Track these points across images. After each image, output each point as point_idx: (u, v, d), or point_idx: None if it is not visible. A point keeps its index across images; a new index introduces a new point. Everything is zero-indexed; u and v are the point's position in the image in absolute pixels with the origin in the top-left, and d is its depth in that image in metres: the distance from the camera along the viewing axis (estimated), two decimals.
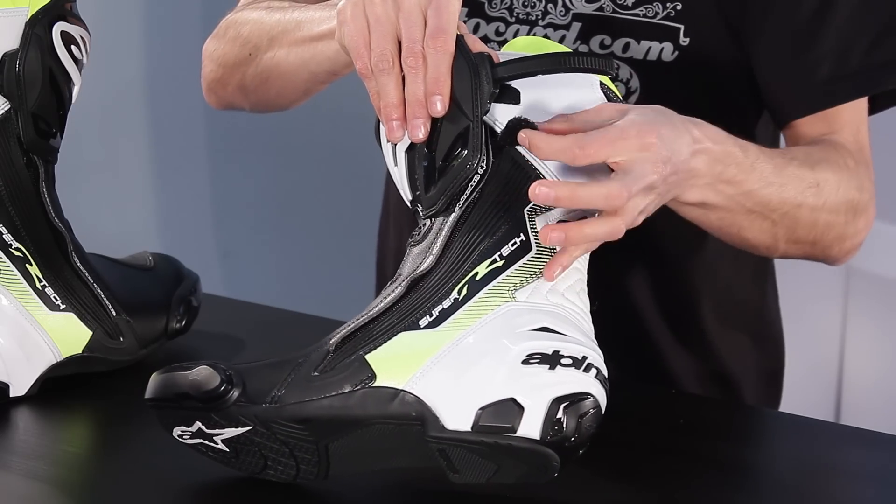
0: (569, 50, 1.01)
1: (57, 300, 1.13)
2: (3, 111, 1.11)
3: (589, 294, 1.00)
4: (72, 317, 1.14)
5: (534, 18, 1.29)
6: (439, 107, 0.96)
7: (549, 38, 1.27)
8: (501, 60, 0.99)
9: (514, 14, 1.30)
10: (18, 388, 1.12)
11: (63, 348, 1.14)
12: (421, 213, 1.00)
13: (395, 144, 1.00)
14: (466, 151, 0.97)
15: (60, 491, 0.99)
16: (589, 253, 0.99)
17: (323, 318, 1.35)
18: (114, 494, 0.99)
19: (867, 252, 1.31)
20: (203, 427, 0.95)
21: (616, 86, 1.05)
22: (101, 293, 1.16)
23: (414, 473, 1.01)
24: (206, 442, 0.96)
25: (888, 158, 1.32)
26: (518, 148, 0.97)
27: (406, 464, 0.96)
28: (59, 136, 1.15)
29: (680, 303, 1.35)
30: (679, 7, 1.23)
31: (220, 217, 2.29)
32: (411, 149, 0.99)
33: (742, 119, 1.29)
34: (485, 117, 0.97)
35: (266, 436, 0.94)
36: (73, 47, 1.13)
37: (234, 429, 0.94)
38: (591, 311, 0.99)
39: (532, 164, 0.97)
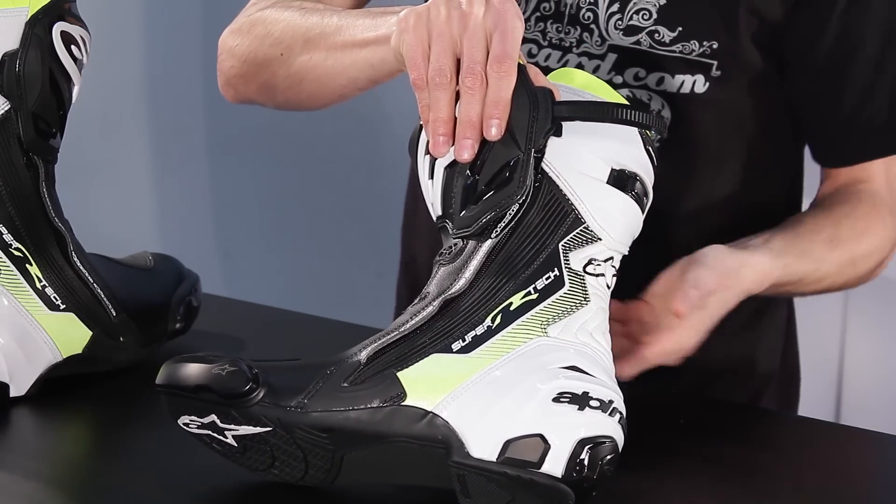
0: (624, 100, 1.02)
1: (57, 300, 1.13)
2: (3, 111, 1.11)
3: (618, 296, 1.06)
4: (72, 317, 1.14)
5: (567, 45, 1.29)
6: (494, 131, 0.97)
7: (583, 66, 1.28)
8: (562, 97, 1.00)
9: (547, 38, 1.30)
10: (18, 388, 1.12)
11: (63, 348, 1.14)
12: (451, 231, 1.00)
13: (436, 159, 1.00)
14: (513, 182, 0.98)
15: (60, 491, 0.99)
16: (610, 292, 1.01)
17: (323, 318, 1.35)
18: (114, 494, 0.99)
19: None
20: (218, 421, 0.95)
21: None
22: (101, 293, 1.16)
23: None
24: (215, 434, 0.96)
25: None
26: (557, 182, 0.98)
27: (416, 482, 0.96)
28: (59, 136, 1.15)
29: None
30: (715, 46, 1.24)
31: (220, 217, 2.29)
32: (451, 166, 1.00)
33: (775, 145, 1.31)
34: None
35: (285, 439, 0.94)
36: (73, 47, 1.13)
37: (251, 427, 0.94)
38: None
39: (569, 199, 0.98)
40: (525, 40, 1.30)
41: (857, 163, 1.30)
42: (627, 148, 1.00)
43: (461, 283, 0.97)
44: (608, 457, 0.94)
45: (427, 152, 1.01)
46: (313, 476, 0.96)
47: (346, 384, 0.94)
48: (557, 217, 0.98)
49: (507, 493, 0.94)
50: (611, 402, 0.95)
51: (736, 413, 1.24)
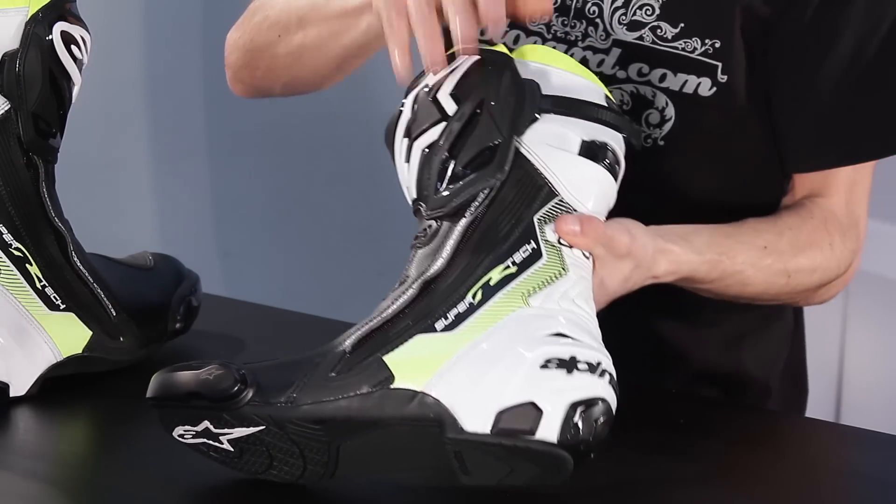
0: (599, 83, 1.05)
1: (57, 300, 1.13)
2: (3, 111, 1.11)
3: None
4: (72, 317, 1.14)
5: (573, 39, 1.29)
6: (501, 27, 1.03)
7: (587, 60, 1.29)
8: (546, 92, 1.02)
9: (552, 32, 1.30)
10: (18, 388, 1.12)
11: (63, 348, 1.14)
12: (424, 213, 1.00)
13: (412, 142, 1.01)
14: (493, 165, 0.99)
15: (60, 491, 0.99)
16: (593, 262, 1.01)
17: (323, 318, 1.35)
18: (114, 494, 0.99)
19: (867, 252, 1.31)
20: (211, 427, 0.95)
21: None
22: (101, 293, 1.16)
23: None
24: (210, 442, 0.96)
25: (887, 159, 1.32)
26: (529, 157, 0.99)
27: (415, 466, 0.96)
28: (59, 136, 1.15)
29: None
30: (718, 45, 1.24)
31: (220, 217, 2.29)
32: (429, 148, 1.01)
33: (777, 159, 1.30)
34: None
35: (279, 436, 0.94)
36: (73, 47, 1.13)
37: (244, 429, 0.94)
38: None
39: (541, 173, 0.99)
40: (531, 33, 1.31)
41: (814, 170, 1.28)
42: (599, 126, 1.02)
43: (439, 264, 0.97)
44: (602, 417, 0.93)
45: (405, 135, 1.02)
46: (312, 472, 0.96)
47: (333, 374, 0.94)
48: (531, 191, 0.99)
49: (505, 465, 0.93)
50: (599, 363, 0.94)
51: (736, 413, 1.24)
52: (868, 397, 2.08)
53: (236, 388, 0.93)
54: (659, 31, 1.26)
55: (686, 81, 1.26)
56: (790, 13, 1.23)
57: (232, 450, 0.96)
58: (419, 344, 0.94)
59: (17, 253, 1.12)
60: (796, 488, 1.04)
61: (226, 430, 0.95)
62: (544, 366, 0.93)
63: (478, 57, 1.03)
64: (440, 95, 1.02)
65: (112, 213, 2.15)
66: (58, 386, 1.14)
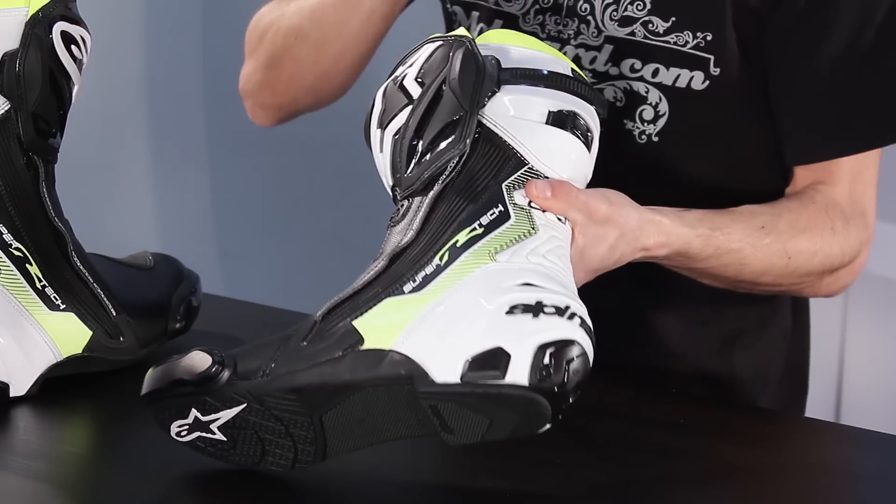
0: (571, 64, 1.06)
1: (57, 300, 1.13)
2: (3, 111, 1.11)
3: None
4: (72, 317, 1.14)
5: (566, 37, 1.29)
6: None
7: (580, 57, 1.29)
8: (506, 65, 1.03)
9: (546, 31, 1.31)
10: (18, 388, 1.12)
11: (63, 348, 1.14)
12: (399, 195, 1.02)
13: (384, 131, 1.03)
14: (454, 137, 1.01)
15: (60, 491, 0.99)
16: (569, 226, 1.02)
17: None
18: (114, 494, 0.99)
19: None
20: (199, 415, 0.95)
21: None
22: (101, 293, 1.16)
23: (416, 474, 1.01)
24: (204, 434, 0.96)
25: (888, 158, 1.32)
26: (495, 130, 1.02)
27: (400, 432, 0.95)
28: (59, 136, 1.15)
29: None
30: (709, 38, 1.24)
31: (220, 217, 2.29)
32: (397, 134, 1.03)
33: (773, 150, 1.30)
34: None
35: (261, 413, 0.95)
36: (73, 47, 1.13)
37: (228, 410, 0.95)
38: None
39: (509, 143, 1.01)
40: (525, 33, 1.31)
41: (814, 160, 1.27)
42: (565, 94, 1.04)
43: (409, 236, 0.99)
44: (574, 359, 0.92)
45: (377, 126, 1.04)
46: (304, 452, 0.96)
47: (304, 343, 0.95)
48: (499, 161, 1.01)
49: (483, 417, 0.93)
50: (567, 307, 0.93)
51: (736, 413, 1.24)
52: (868, 397, 2.07)
53: (215, 369, 0.94)
54: (651, 25, 1.26)
55: (679, 76, 1.26)
56: (783, 4, 1.23)
57: (225, 439, 0.96)
58: (387, 306, 0.95)
59: (17, 253, 1.12)
60: (796, 488, 1.04)
61: (212, 416, 0.95)
62: (510, 312, 0.93)
63: (440, 42, 1.05)
64: (406, 82, 1.04)
65: (112, 213, 2.15)
66: (58, 386, 1.14)
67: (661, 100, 1.27)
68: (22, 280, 1.12)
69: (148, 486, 0.99)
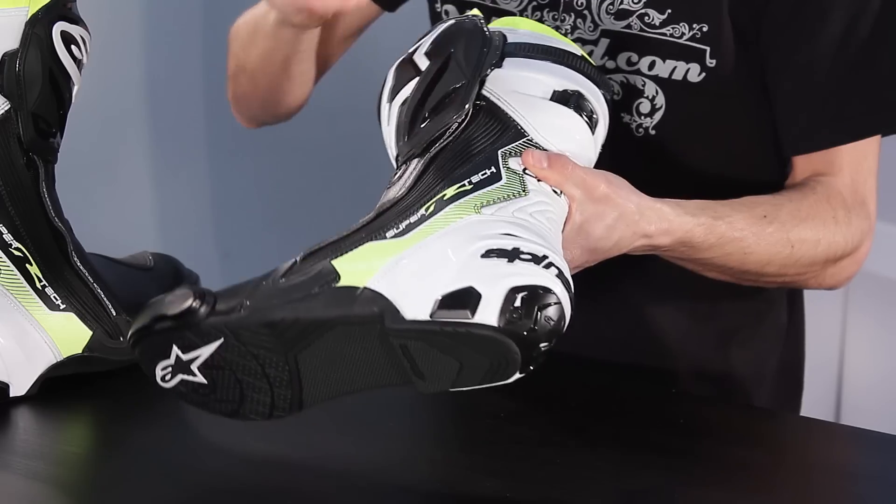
0: (581, 52, 1.08)
1: (57, 300, 1.13)
2: (3, 111, 1.11)
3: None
4: (72, 317, 1.14)
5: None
6: None
7: None
8: (513, 40, 1.06)
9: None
10: (18, 388, 1.12)
11: (63, 348, 1.14)
12: (398, 160, 1.04)
13: (391, 104, 1.05)
14: (455, 103, 1.02)
15: (60, 491, 0.99)
16: (566, 201, 1.01)
17: None
18: (114, 494, 0.99)
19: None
20: (180, 352, 0.95)
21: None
22: (101, 293, 1.16)
23: (416, 473, 1.01)
24: (185, 376, 0.96)
25: (887, 158, 1.32)
26: (498, 103, 1.03)
27: (376, 380, 0.94)
28: (59, 136, 1.15)
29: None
30: (705, 29, 1.24)
31: (220, 217, 2.29)
32: (404, 103, 1.05)
33: (770, 141, 1.30)
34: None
35: (237, 349, 0.95)
36: (73, 47, 1.13)
37: (207, 346, 0.95)
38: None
39: (510, 115, 1.02)
40: None
41: (813, 150, 1.26)
42: (571, 74, 1.05)
43: (401, 192, 1.00)
44: (548, 307, 0.91)
45: (387, 100, 1.06)
46: (280, 397, 0.96)
47: (282, 279, 0.95)
48: (498, 130, 1.02)
49: (453, 360, 0.92)
50: (545, 256, 0.93)
51: (736, 413, 1.24)
52: (868, 397, 2.07)
53: (195, 304, 0.95)
54: (647, 18, 1.26)
55: (675, 68, 1.26)
56: None
57: (205, 381, 0.96)
58: (368, 249, 0.96)
59: (17, 253, 1.12)
60: (796, 488, 1.04)
61: (193, 354, 0.95)
62: (485, 255, 0.93)
63: (452, 21, 1.07)
64: (416, 56, 1.06)
65: (112, 213, 2.15)
66: (58, 386, 1.14)
67: (657, 93, 1.27)
68: (22, 280, 1.12)
69: (148, 486, 1.00)
